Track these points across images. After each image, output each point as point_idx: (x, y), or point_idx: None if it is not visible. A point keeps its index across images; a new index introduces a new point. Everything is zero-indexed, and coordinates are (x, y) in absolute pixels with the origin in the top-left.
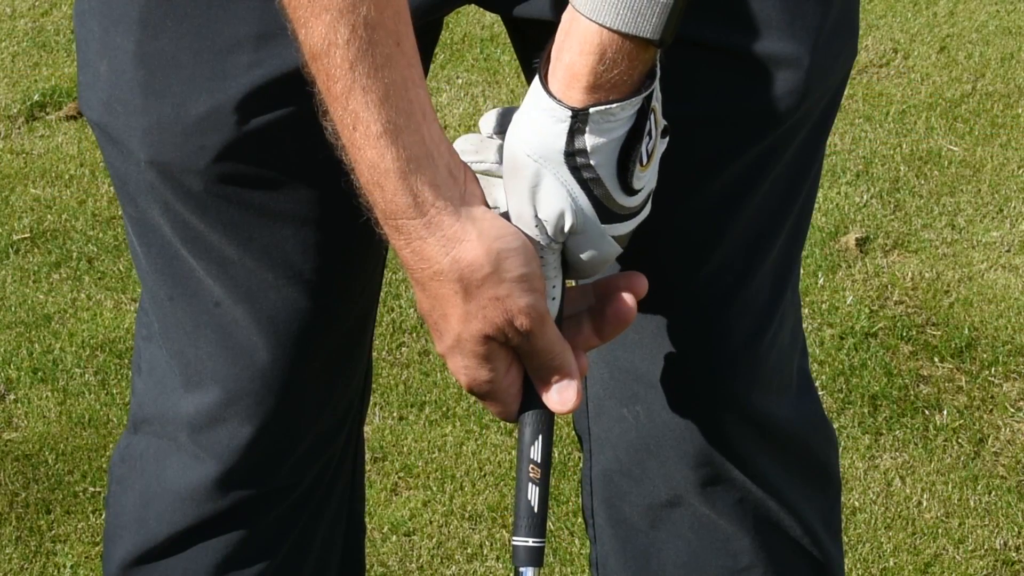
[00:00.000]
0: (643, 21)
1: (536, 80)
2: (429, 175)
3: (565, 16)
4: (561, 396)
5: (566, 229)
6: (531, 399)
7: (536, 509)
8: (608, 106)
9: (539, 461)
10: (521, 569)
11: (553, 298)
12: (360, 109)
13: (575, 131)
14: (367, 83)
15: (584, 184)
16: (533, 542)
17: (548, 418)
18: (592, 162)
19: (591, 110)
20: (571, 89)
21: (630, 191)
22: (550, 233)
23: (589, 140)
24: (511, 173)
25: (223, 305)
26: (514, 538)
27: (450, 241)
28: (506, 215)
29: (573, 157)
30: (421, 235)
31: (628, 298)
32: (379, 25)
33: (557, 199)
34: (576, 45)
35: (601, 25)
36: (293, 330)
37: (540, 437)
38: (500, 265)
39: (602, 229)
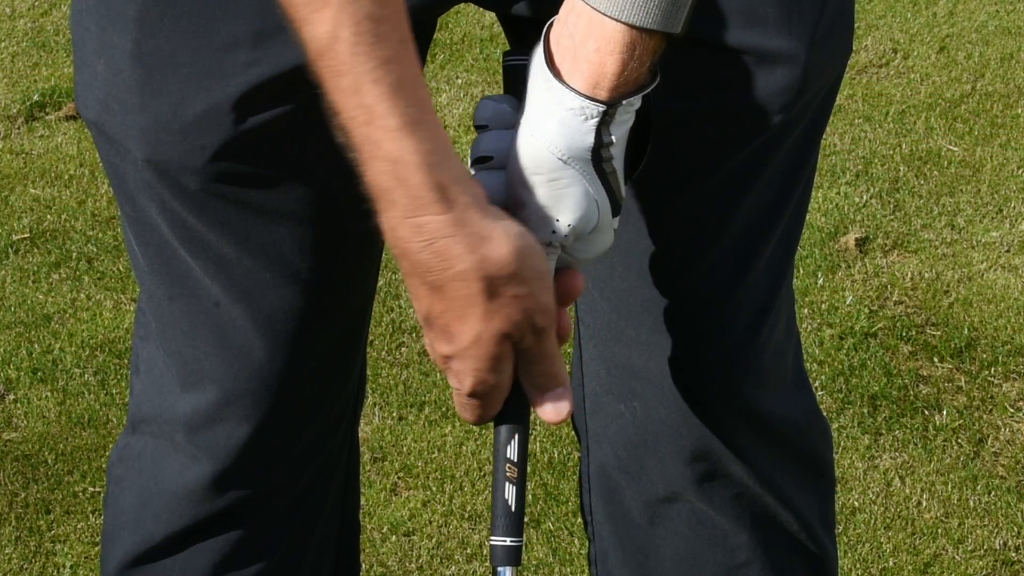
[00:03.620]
0: (673, 18)
1: (548, 80)
2: (453, 168)
3: (570, 16)
4: (556, 405)
5: (588, 231)
6: (507, 402)
7: (513, 508)
8: (634, 97)
9: (515, 460)
10: (499, 569)
11: None
12: (373, 102)
13: (602, 126)
14: (379, 75)
15: (604, 178)
16: (511, 541)
17: (524, 418)
18: (613, 154)
19: (623, 102)
20: (599, 87)
21: (627, 178)
22: (570, 236)
23: (614, 132)
24: (532, 177)
25: (221, 305)
26: (491, 538)
27: (478, 239)
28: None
29: (599, 151)
30: (447, 232)
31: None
32: (383, 19)
33: (583, 201)
34: (603, 44)
35: (630, 25)
36: (290, 329)
37: (516, 436)
38: (524, 263)
39: (612, 223)
